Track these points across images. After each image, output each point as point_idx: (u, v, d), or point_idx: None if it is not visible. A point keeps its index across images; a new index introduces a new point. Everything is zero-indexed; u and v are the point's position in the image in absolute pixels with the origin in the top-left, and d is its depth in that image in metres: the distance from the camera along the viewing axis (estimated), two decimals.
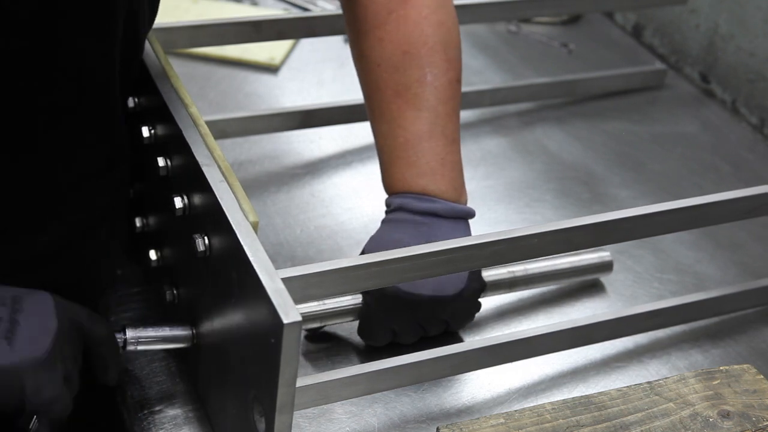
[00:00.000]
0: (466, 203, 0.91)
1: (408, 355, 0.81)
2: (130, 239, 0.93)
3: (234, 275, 0.70)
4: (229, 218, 0.70)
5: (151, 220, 0.89)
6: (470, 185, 1.12)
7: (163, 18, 0.97)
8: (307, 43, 1.36)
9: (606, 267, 0.99)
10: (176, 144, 0.79)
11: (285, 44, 1.34)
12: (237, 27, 1.06)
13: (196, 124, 0.79)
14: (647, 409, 0.80)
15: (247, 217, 0.70)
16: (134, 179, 0.91)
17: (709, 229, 1.06)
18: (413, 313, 0.86)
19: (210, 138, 0.78)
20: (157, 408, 0.83)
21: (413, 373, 0.82)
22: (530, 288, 0.96)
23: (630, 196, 1.15)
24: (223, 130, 1.10)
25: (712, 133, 1.30)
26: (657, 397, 0.81)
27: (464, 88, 1.25)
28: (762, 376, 0.84)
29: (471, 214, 0.89)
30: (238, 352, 0.71)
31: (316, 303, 0.85)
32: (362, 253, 0.87)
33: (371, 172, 1.13)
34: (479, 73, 1.36)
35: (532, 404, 0.87)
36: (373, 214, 1.00)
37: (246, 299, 0.68)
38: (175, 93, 0.82)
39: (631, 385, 0.82)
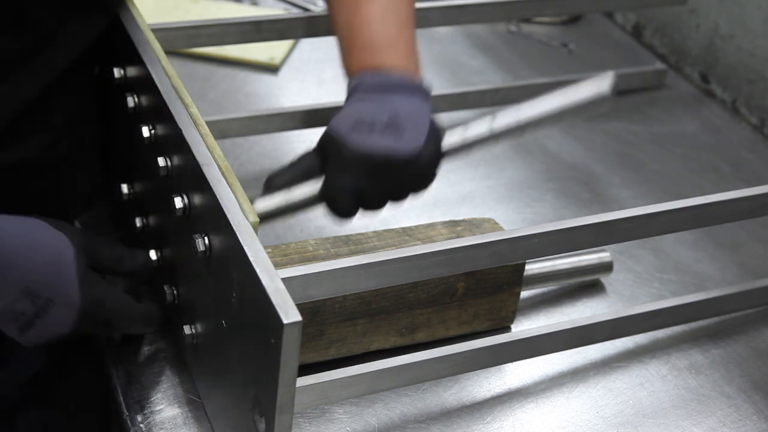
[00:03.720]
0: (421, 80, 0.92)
1: (408, 355, 0.81)
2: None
3: (234, 275, 0.70)
4: (229, 218, 0.70)
5: (151, 220, 0.89)
6: (470, 185, 1.13)
7: (163, 18, 0.97)
8: (307, 43, 1.36)
9: (606, 267, 0.99)
10: (176, 144, 0.79)
11: (285, 44, 1.34)
12: (237, 27, 1.06)
13: (196, 124, 0.79)
14: (398, 245, 0.85)
15: (247, 217, 0.70)
16: (134, 179, 0.91)
17: (710, 229, 1.06)
18: (371, 174, 0.85)
19: (210, 138, 0.78)
20: (157, 408, 0.83)
21: (413, 373, 0.82)
22: (530, 288, 0.96)
23: (630, 196, 1.15)
24: (223, 130, 1.10)
25: (712, 133, 1.30)
26: (408, 237, 0.87)
27: (464, 88, 1.26)
28: (500, 225, 0.91)
29: (427, 87, 0.91)
30: (238, 352, 0.71)
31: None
32: (324, 132, 0.87)
33: None
34: (479, 73, 1.36)
35: (533, 405, 0.87)
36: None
37: (246, 299, 0.68)
38: (175, 93, 0.82)
39: (386, 228, 0.88)
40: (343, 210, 0.86)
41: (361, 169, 0.84)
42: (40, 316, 0.74)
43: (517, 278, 0.90)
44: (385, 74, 0.89)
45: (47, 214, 0.80)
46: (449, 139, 0.89)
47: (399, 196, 0.87)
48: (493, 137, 0.89)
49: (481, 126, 0.89)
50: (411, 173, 0.85)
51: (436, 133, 0.88)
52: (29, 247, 0.73)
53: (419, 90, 0.89)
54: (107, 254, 0.81)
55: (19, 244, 0.72)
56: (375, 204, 0.87)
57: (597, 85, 0.88)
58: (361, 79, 0.90)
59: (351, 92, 0.90)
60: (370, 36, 0.91)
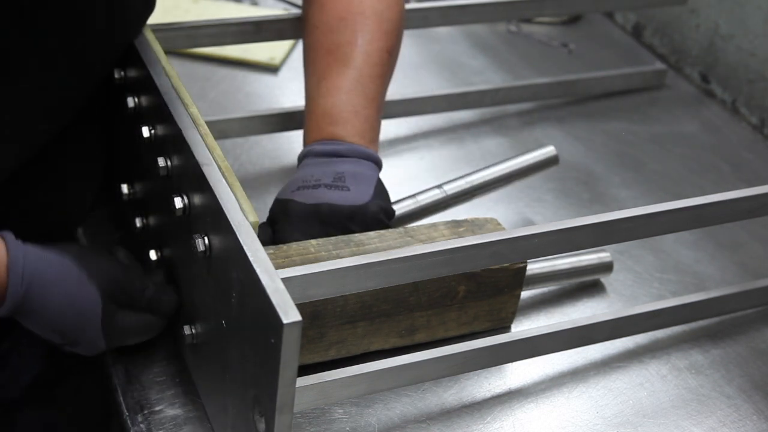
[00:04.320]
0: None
1: (408, 355, 0.81)
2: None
3: (234, 275, 0.70)
4: (229, 218, 0.70)
5: (151, 220, 0.89)
6: None
7: (163, 18, 0.97)
8: None
9: (606, 268, 0.99)
10: (176, 144, 0.79)
11: (285, 44, 1.34)
12: (237, 27, 1.06)
13: (196, 124, 0.79)
14: (399, 246, 0.85)
15: (247, 217, 0.70)
16: (134, 179, 0.91)
17: (710, 229, 1.06)
18: (320, 225, 0.87)
19: (210, 138, 0.78)
20: (157, 408, 0.83)
21: (413, 373, 0.82)
22: (530, 288, 0.96)
23: (630, 196, 1.15)
24: (223, 130, 1.10)
25: (712, 133, 1.30)
26: (410, 238, 0.87)
27: (464, 88, 1.26)
28: (502, 225, 0.91)
29: (375, 157, 0.92)
30: (238, 352, 0.71)
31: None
32: (278, 198, 0.90)
33: None
34: (479, 73, 1.36)
35: (533, 405, 0.87)
36: None
37: (246, 299, 0.68)
38: (175, 93, 0.82)
39: (387, 229, 0.88)
40: None
41: (309, 222, 0.87)
42: (69, 346, 0.80)
43: (518, 281, 0.90)
44: (335, 143, 0.91)
45: (54, 221, 0.85)
46: (402, 203, 0.96)
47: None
48: (444, 203, 0.97)
49: (432, 193, 0.97)
50: (359, 223, 0.87)
51: (383, 192, 0.91)
52: (64, 296, 0.77)
53: (369, 158, 0.91)
54: (135, 291, 0.82)
55: (55, 293, 0.76)
56: None
57: (543, 153, 1.03)
58: (312, 147, 0.92)
59: (300, 159, 0.93)
60: (332, 107, 0.93)
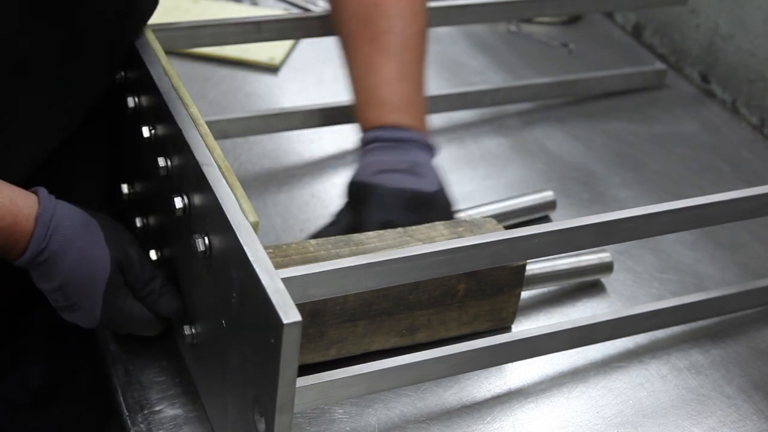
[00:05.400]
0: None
1: (408, 355, 0.81)
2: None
3: (234, 275, 0.70)
4: (229, 218, 0.70)
5: (151, 220, 0.89)
6: (470, 185, 1.13)
7: (163, 18, 0.97)
8: (307, 43, 1.36)
9: (606, 268, 0.99)
10: (176, 144, 0.79)
11: (285, 44, 1.34)
12: (237, 27, 1.06)
13: (196, 124, 0.79)
14: (399, 246, 0.86)
15: (247, 217, 0.70)
16: (134, 179, 0.91)
17: (710, 229, 1.06)
18: (402, 208, 0.91)
19: (210, 138, 0.78)
20: (157, 408, 0.83)
21: (413, 373, 0.82)
22: (530, 288, 0.96)
23: (630, 196, 1.15)
24: (223, 130, 1.10)
25: (712, 133, 1.30)
26: (409, 238, 0.87)
27: (464, 88, 1.26)
28: (500, 225, 0.91)
29: (433, 145, 0.97)
30: (238, 352, 0.71)
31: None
32: (349, 184, 0.93)
33: None
34: (479, 73, 1.36)
35: (533, 405, 0.87)
36: None
37: (246, 299, 0.68)
38: (175, 93, 0.82)
39: (386, 230, 0.88)
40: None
41: (392, 205, 0.90)
42: (69, 310, 0.80)
43: (518, 280, 0.90)
44: (400, 130, 0.95)
45: None
46: None
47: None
48: None
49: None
50: (436, 207, 0.91)
51: (445, 183, 0.95)
52: (79, 251, 0.78)
53: (429, 147, 0.96)
54: (144, 273, 0.82)
55: (73, 247, 0.78)
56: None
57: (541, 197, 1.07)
58: (378, 133, 0.95)
59: (367, 144, 0.96)
60: (388, 96, 0.97)
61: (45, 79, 0.80)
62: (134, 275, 0.81)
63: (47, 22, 0.77)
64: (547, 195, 1.07)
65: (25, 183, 0.80)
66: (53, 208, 0.77)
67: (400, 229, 0.88)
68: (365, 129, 0.97)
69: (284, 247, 0.84)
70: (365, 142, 0.96)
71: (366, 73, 0.98)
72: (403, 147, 0.94)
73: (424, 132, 0.96)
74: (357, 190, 0.92)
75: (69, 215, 0.78)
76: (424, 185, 0.92)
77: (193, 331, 0.81)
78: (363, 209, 0.91)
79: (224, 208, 0.71)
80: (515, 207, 1.05)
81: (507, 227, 0.90)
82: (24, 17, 0.75)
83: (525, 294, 0.96)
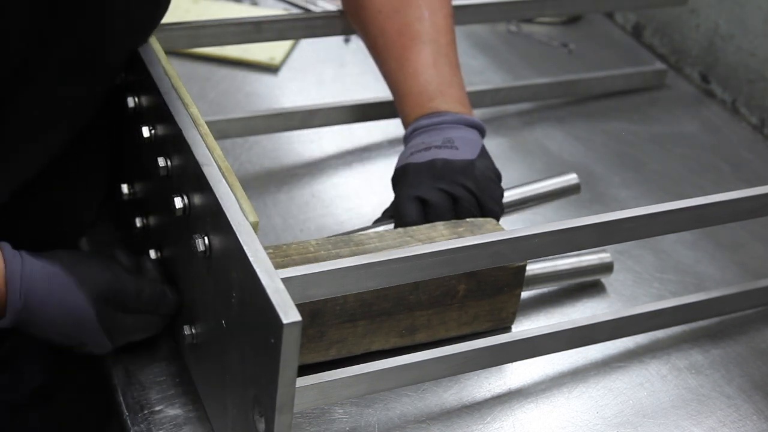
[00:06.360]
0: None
1: (408, 355, 0.81)
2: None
3: (234, 275, 0.70)
4: (229, 218, 0.70)
5: (151, 220, 0.89)
6: None
7: (164, 18, 0.97)
8: (307, 43, 1.36)
9: (606, 268, 0.99)
10: (176, 144, 0.79)
11: (285, 44, 1.34)
12: (237, 27, 1.06)
13: (196, 124, 0.79)
14: (399, 246, 0.86)
15: (247, 217, 0.70)
16: (134, 179, 0.91)
17: (710, 229, 1.06)
18: (434, 179, 0.91)
19: (210, 138, 0.78)
20: (157, 408, 0.83)
21: (413, 373, 0.82)
22: (530, 289, 0.96)
23: (630, 196, 1.15)
24: (223, 130, 1.10)
25: (712, 133, 1.30)
26: (409, 238, 0.87)
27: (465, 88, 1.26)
28: (500, 226, 0.91)
29: (479, 124, 0.96)
30: (238, 352, 0.71)
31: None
32: (396, 168, 0.95)
33: (371, 172, 1.13)
34: (479, 73, 1.36)
35: (533, 405, 0.87)
36: (373, 214, 1.00)
37: (246, 299, 0.68)
38: (175, 93, 0.82)
39: (387, 230, 0.89)
40: (410, 218, 0.90)
41: (424, 176, 0.91)
42: (77, 348, 0.81)
43: (518, 280, 0.90)
44: (439, 115, 0.95)
45: (64, 226, 0.86)
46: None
47: (466, 199, 0.91)
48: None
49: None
50: (474, 175, 0.91)
51: (489, 156, 0.95)
52: (58, 305, 0.77)
53: (473, 125, 0.96)
54: (129, 295, 0.82)
55: (51, 302, 0.77)
56: (441, 209, 0.90)
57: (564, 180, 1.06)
58: (418, 123, 0.96)
59: (408, 136, 0.97)
60: (426, 84, 0.97)
61: (49, 83, 0.79)
62: (124, 296, 0.80)
63: (53, 38, 0.76)
64: (571, 178, 1.07)
65: (25, 186, 0.79)
66: (20, 270, 0.75)
67: (400, 230, 0.88)
68: (406, 123, 0.98)
69: (284, 247, 0.84)
70: (407, 134, 0.97)
71: (400, 66, 0.99)
72: (439, 128, 0.94)
73: (464, 112, 0.96)
74: (395, 174, 0.95)
75: (37, 269, 0.76)
76: (458, 155, 0.92)
77: (193, 331, 0.81)
78: (397, 190, 0.93)
79: (224, 208, 0.71)
80: (540, 191, 1.06)
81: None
82: (32, 33, 0.74)
83: (525, 294, 0.96)
